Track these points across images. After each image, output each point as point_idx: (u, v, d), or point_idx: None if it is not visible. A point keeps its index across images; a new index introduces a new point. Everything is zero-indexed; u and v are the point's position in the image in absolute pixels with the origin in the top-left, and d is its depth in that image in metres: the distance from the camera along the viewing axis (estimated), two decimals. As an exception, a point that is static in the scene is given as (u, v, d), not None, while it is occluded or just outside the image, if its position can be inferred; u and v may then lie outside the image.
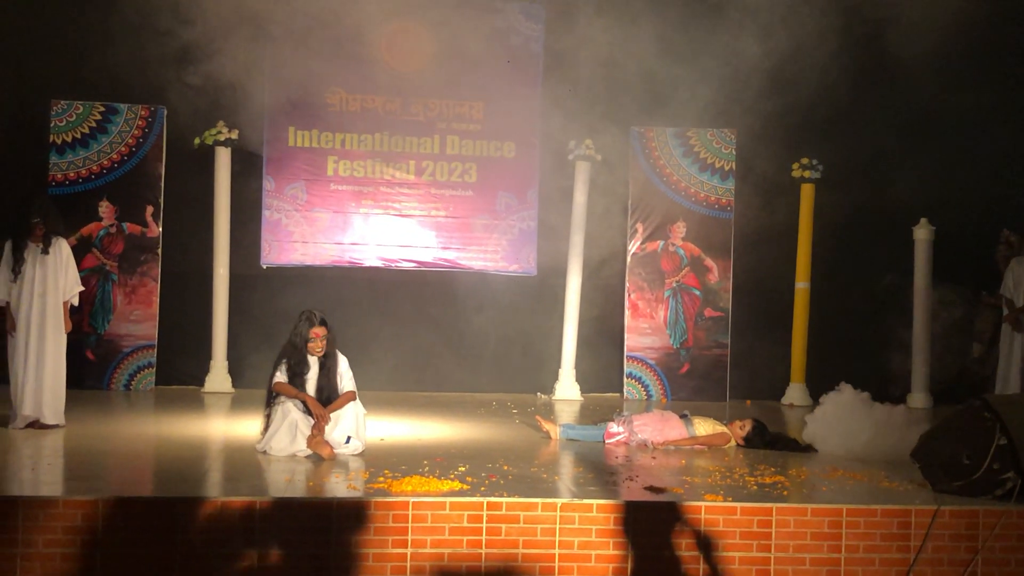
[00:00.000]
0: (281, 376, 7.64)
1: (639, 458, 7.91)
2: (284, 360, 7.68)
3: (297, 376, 7.63)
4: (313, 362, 7.71)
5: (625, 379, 12.22)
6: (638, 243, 12.26)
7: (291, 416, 7.46)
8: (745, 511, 6.18)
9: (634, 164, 12.27)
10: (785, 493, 6.63)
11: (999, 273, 10.84)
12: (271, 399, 7.61)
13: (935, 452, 6.86)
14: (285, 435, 7.45)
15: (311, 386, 7.66)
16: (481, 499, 6.08)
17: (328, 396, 7.64)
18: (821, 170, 12.07)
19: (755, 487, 6.82)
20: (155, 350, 11.50)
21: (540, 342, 12.29)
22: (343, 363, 7.77)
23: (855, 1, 11.25)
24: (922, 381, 11.95)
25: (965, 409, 6.97)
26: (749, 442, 8.57)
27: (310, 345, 7.66)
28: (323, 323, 7.71)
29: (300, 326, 7.69)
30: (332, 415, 7.52)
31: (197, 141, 11.54)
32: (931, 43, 11.01)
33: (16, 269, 8.43)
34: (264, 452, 7.44)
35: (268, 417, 7.58)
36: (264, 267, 11.99)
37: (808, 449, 8.45)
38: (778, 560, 6.15)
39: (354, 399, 7.66)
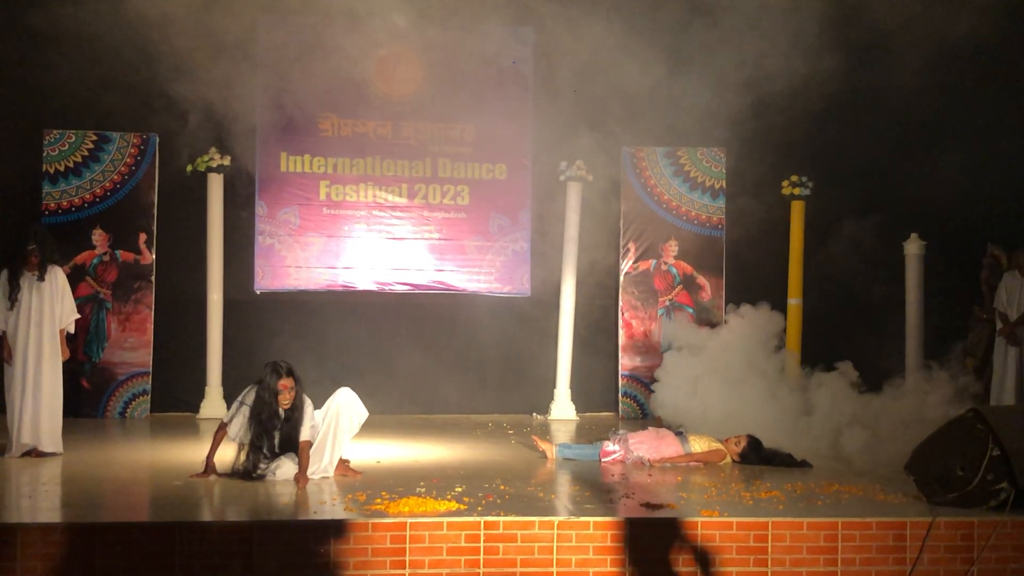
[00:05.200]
0: (237, 423, 7.46)
1: (635, 475, 7.93)
2: (254, 414, 7.43)
3: (268, 432, 7.41)
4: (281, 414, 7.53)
5: (620, 398, 12.24)
6: (631, 262, 12.31)
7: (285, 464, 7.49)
8: (741, 526, 6.21)
9: (625, 184, 12.34)
10: (781, 507, 6.66)
11: (981, 288, 10.97)
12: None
13: (929, 464, 6.89)
14: (291, 465, 7.46)
15: (276, 437, 7.49)
16: (478, 518, 6.10)
17: (291, 447, 7.50)
18: (811, 187, 12.14)
19: (751, 502, 6.85)
20: (150, 377, 11.51)
21: (535, 362, 12.32)
22: (308, 411, 7.52)
23: (845, 19, 11.34)
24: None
25: (958, 421, 7.01)
26: (745, 458, 8.60)
27: (280, 398, 7.42)
28: (290, 373, 7.45)
29: (268, 379, 7.42)
30: (311, 454, 7.50)
31: (189, 168, 11.58)
32: (921, 59, 11.11)
33: (12, 297, 8.45)
34: (263, 478, 7.44)
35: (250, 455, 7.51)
36: (258, 292, 12.01)
37: (803, 464, 8.49)
38: (775, 574, 6.17)
39: (308, 448, 7.45)
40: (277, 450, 7.50)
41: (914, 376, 10.15)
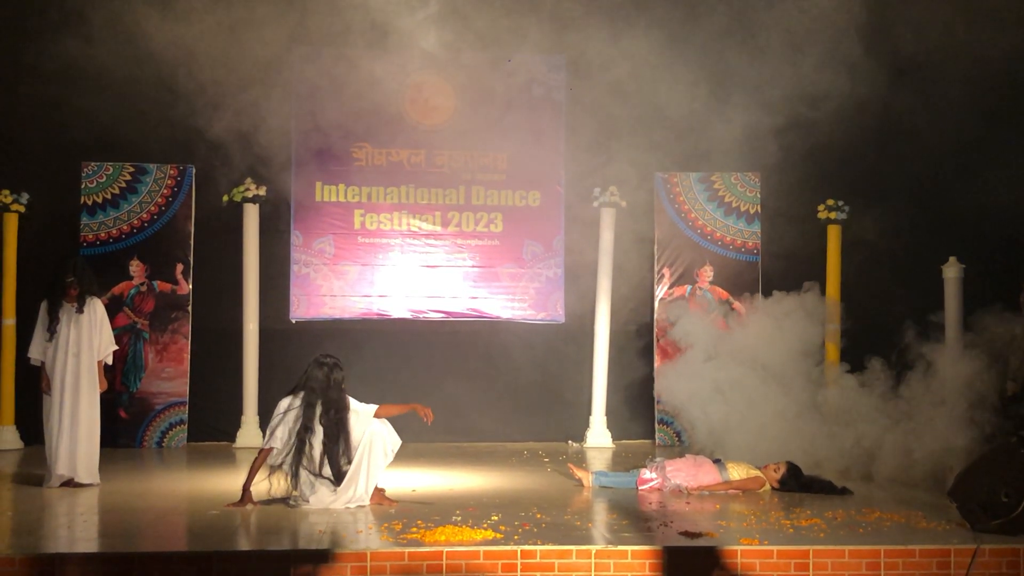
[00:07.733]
0: (283, 431, 7.54)
1: (673, 504, 7.87)
2: (316, 406, 7.56)
3: (314, 429, 7.55)
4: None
5: (657, 425, 12.16)
6: (666, 288, 12.26)
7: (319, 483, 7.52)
8: (782, 554, 6.14)
9: (659, 210, 12.31)
10: (822, 535, 6.58)
11: (1021, 311, 10.80)
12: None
13: (972, 491, 6.79)
14: (327, 492, 7.47)
15: (317, 438, 7.53)
16: (515, 547, 6.07)
17: (341, 447, 7.55)
18: (847, 211, 12.04)
19: (791, 530, 6.77)
20: (187, 407, 11.55)
21: (570, 390, 12.29)
22: (352, 406, 7.69)
23: (881, 41, 11.28)
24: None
25: (1001, 446, 6.92)
26: (784, 485, 8.51)
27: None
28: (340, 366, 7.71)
29: (334, 373, 7.60)
30: (363, 469, 7.56)
31: (225, 198, 11.68)
32: (959, 80, 11.02)
33: (51, 329, 8.52)
34: (297, 505, 7.45)
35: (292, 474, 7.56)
36: (294, 322, 12.05)
37: (844, 491, 8.39)
38: (817, 603, 6.10)
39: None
40: (322, 456, 7.51)
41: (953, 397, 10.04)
